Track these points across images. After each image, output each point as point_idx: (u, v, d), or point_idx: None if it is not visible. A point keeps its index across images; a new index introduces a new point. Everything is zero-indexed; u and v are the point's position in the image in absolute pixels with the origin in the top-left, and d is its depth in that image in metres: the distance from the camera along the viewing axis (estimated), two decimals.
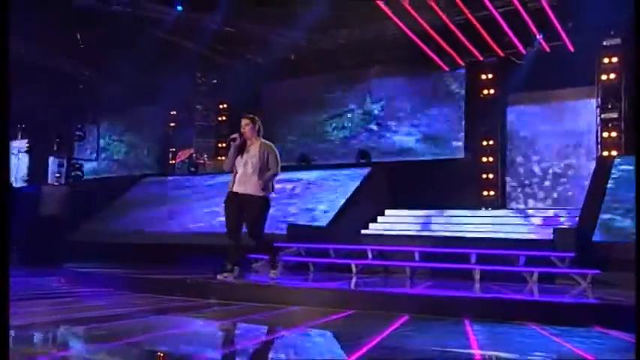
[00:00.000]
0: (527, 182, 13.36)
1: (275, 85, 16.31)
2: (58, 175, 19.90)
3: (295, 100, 16.04)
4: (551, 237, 8.47)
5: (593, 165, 11.77)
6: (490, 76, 13.52)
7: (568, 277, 7.70)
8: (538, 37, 12.38)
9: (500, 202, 13.17)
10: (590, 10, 11.47)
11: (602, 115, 12.25)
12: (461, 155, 13.83)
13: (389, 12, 12.23)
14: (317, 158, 15.46)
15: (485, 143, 13.49)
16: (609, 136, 12.09)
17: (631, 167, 10.72)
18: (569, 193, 12.78)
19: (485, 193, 13.22)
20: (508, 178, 13.50)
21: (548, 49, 12.42)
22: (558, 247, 8.11)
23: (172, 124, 18.72)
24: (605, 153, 11.94)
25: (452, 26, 12.42)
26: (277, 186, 6.46)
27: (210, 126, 17.49)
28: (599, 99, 12.36)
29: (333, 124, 15.75)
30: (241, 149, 5.87)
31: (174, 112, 18.50)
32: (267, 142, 5.96)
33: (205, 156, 17.32)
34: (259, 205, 5.80)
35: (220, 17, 13.87)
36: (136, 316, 4.75)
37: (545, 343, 3.88)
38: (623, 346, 3.86)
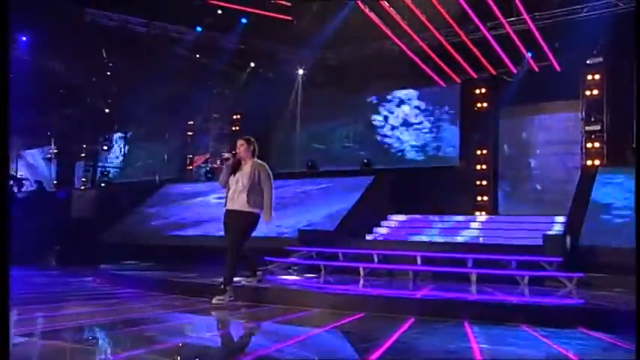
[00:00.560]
0: (518, 189, 13.64)
1: (285, 97, 16.55)
2: (84, 179, 20.24)
3: (303, 111, 16.31)
4: (541, 243, 8.70)
5: (578, 173, 12.06)
6: (483, 90, 13.82)
7: (556, 279, 7.92)
8: (527, 56, 12.65)
9: (493, 207, 13.46)
10: (575, 32, 11.84)
11: (586, 127, 12.50)
12: (456, 163, 14.14)
13: (390, 33, 12.55)
14: (324, 165, 15.73)
15: (479, 152, 13.78)
16: (593, 147, 12.34)
17: (612, 176, 11.03)
18: (558, 200, 13.01)
19: (479, 198, 13.52)
20: (500, 185, 13.79)
21: (536, 69, 12.69)
22: (547, 252, 8.31)
23: (190, 133, 19.03)
24: (589, 162, 12.20)
25: (448, 46, 12.72)
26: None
27: (224, 134, 17.79)
28: (584, 112, 12.63)
29: (340, 134, 16.03)
30: (235, 168, 5.84)
31: (192, 122, 18.81)
32: (260, 161, 5.90)
33: (219, 161, 17.60)
34: (244, 220, 5.68)
35: (235, 36, 14.35)
36: (177, 318, 5.06)
37: (537, 344, 4.16)
38: (603, 345, 4.16)
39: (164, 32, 14.24)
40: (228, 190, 5.82)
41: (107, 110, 17.90)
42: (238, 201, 5.69)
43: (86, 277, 8.90)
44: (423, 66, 13.36)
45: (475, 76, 13.39)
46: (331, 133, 16.17)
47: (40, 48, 13.16)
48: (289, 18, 12.66)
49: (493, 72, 13.13)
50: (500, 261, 8.40)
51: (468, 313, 5.08)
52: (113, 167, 19.64)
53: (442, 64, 13.25)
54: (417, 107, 15.00)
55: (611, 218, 9.63)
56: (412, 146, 14.96)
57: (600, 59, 12.27)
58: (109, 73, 15.83)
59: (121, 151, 20.15)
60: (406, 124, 15.09)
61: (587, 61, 12.37)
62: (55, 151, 20.51)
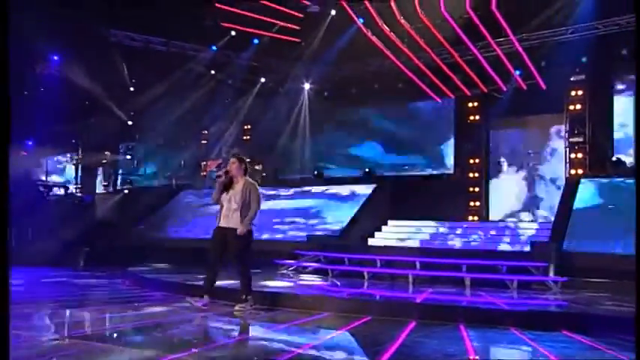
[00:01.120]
0: (507, 196, 13.90)
1: (292, 109, 16.77)
2: (105, 184, 20.45)
3: (309, 122, 16.53)
4: (529, 249, 8.93)
5: (562, 182, 12.33)
6: (476, 104, 14.07)
7: (543, 282, 8.18)
8: (515, 74, 12.90)
9: (485, 212, 13.72)
10: (559, 52, 12.14)
11: (570, 139, 12.77)
12: (451, 171, 14.41)
13: (389, 53, 12.83)
14: (329, 172, 15.98)
15: (471, 161, 14.04)
16: (576, 157, 12.58)
17: (593, 185, 11.27)
18: (545, 207, 13.29)
19: (472, 203, 13.78)
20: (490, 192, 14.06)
21: (524, 87, 12.94)
22: (534, 257, 8.57)
23: (204, 142, 19.29)
24: (573, 171, 12.45)
25: (443, 66, 13.00)
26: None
27: (236, 143, 18.01)
28: (567, 125, 12.89)
29: (344, 143, 16.25)
30: (227, 186, 5.82)
31: (206, 131, 19.07)
32: (251, 180, 5.91)
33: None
34: (244, 237, 5.70)
35: (248, 54, 14.69)
36: (210, 319, 5.33)
37: (523, 347, 4.44)
38: (583, 347, 4.43)
39: (182, 51, 14.59)
40: (222, 206, 5.84)
41: (130, 122, 18.18)
42: (233, 219, 5.73)
43: (116, 279, 9.11)
44: (420, 83, 13.62)
45: (468, 93, 13.61)
46: (335, 142, 16.39)
47: (70, 66, 13.55)
48: (298, 40, 12.94)
49: (484, 89, 13.37)
50: (492, 266, 8.62)
51: (464, 317, 5.36)
52: (133, 174, 19.89)
53: (438, 82, 13.51)
54: (415, 119, 15.23)
55: (593, 224, 9.82)
56: (410, 155, 15.18)
57: (583, 77, 12.54)
58: (132, 89, 16.15)
59: (141, 159, 20.39)
60: (405, 134, 15.29)
61: (571, 78, 12.63)
62: (81, 157, 20.74)
